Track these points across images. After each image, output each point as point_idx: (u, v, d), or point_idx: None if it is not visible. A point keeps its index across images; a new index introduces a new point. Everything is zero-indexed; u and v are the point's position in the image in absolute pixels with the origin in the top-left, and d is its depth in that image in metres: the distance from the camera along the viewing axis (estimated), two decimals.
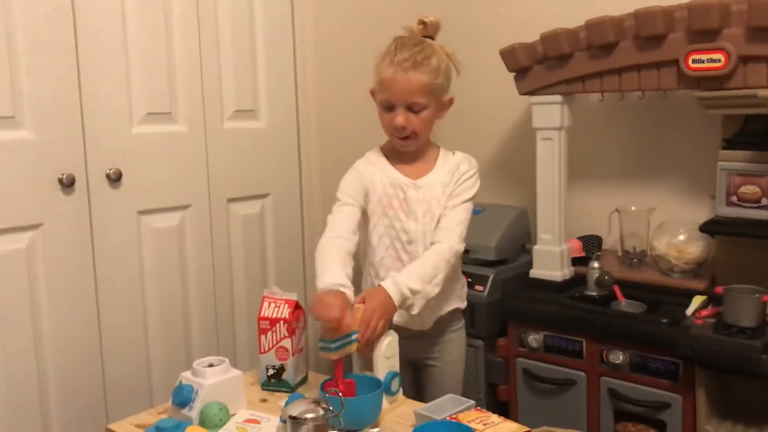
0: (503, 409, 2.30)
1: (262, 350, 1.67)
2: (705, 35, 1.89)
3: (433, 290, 1.65)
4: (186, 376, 1.55)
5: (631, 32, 1.99)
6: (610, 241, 2.51)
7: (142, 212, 2.03)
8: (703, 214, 2.26)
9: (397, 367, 1.57)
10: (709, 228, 2.06)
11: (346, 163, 2.49)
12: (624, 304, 2.16)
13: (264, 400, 1.63)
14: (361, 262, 1.83)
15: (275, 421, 1.49)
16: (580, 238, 2.49)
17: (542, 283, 2.31)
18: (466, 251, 2.08)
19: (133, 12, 1.96)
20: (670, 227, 2.24)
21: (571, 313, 2.14)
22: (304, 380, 1.73)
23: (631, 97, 2.27)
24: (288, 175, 2.41)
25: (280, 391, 1.66)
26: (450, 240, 1.69)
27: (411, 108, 1.68)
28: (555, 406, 2.19)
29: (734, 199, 2.01)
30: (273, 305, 1.67)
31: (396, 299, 1.57)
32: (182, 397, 1.51)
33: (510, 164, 2.70)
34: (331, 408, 1.18)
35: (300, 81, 2.39)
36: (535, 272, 2.34)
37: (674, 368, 1.95)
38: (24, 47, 1.76)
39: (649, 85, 2.03)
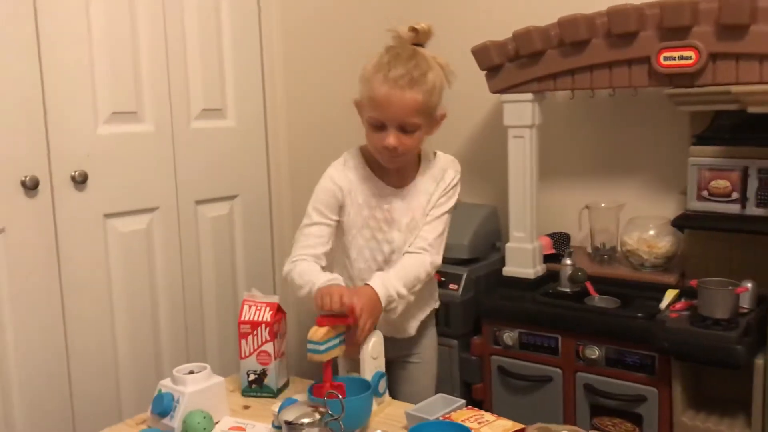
0: (478, 408, 2.29)
1: (243, 355, 1.63)
2: (676, 33, 1.92)
3: (411, 298, 1.65)
4: (165, 384, 1.49)
5: (603, 30, 2.01)
6: (579, 238, 2.54)
7: (108, 215, 1.95)
8: (671, 210, 2.31)
9: (383, 368, 1.55)
10: (681, 222, 2.10)
11: (315, 163, 2.45)
12: (597, 299, 2.18)
13: (247, 407, 1.58)
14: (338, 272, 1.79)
15: (261, 427, 1.45)
16: (549, 236, 2.51)
17: (515, 280, 2.32)
18: None
19: (97, 8, 1.88)
20: (640, 223, 2.27)
21: (545, 309, 2.15)
22: (285, 385, 1.69)
23: (601, 95, 2.30)
24: (257, 176, 2.36)
25: (262, 396, 1.62)
26: (430, 254, 1.66)
27: (403, 128, 1.56)
28: (530, 404, 2.19)
29: (705, 193, 2.05)
30: (254, 308, 1.63)
31: (383, 300, 1.55)
32: (162, 407, 1.45)
33: (480, 162, 2.70)
34: (330, 412, 1.15)
35: (267, 79, 2.34)
36: (507, 270, 2.34)
37: (650, 362, 1.97)
38: None
39: (620, 83, 2.05)
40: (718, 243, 2.11)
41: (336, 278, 1.56)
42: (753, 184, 2.00)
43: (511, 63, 2.20)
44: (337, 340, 1.46)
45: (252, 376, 1.63)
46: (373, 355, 1.53)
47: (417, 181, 1.69)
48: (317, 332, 1.42)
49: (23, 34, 1.74)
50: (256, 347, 1.61)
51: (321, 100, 2.49)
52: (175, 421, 1.43)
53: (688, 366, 1.94)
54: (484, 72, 2.26)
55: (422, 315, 1.79)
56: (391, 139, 1.56)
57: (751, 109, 1.80)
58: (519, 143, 2.26)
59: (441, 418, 1.35)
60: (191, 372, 1.50)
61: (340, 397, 1.17)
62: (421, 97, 1.54)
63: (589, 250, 2.45)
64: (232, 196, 2.30)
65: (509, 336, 2.21)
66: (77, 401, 1.91)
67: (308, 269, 1.60)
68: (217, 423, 1.47)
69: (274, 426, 1.28)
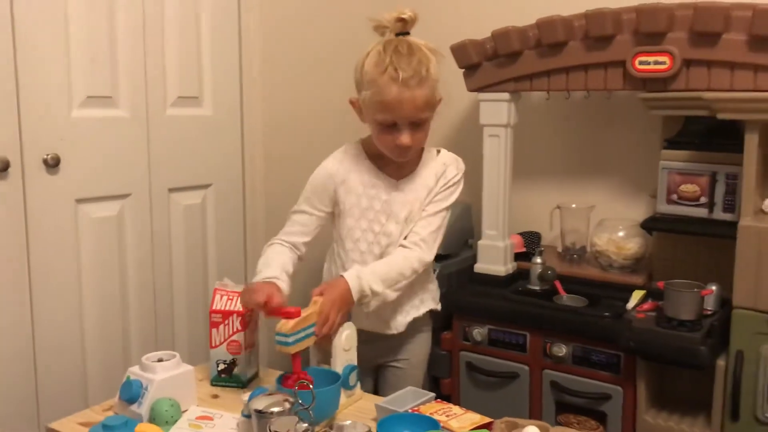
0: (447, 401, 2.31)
1: (213, 344, 1.62)
2: (651, 38, 1.95)
3: (392, 296, 1.62)
4: (134, 371, 1.49)
5: (580, 32, 2.04)
6: (549, 237, 2.57)
7: (80, 200, 1.93)
8: (641, 212, 2.35)
9: (354, 361, 1.55)
10: (650, 225, 2.14)
11: (290, 155, 2.47)
12: (566, 298, 2.21)
13: (215, 396, 1.58)
14: (329, 264, 1.79)
15: (228, 417, 1.45)
16: (521, 234, 2.54)
17: (486, 277, 2.34)
18: None
19: None
20: (610, 224, 2.31)
21: (515, 307, 2.17)
22: (255, 376, 1.68)
23: (576, 97, 2.33)
24: (231, 166, 2.35)
25: (231, 386, 1.61)
26: (422, 249, 1.63)
27: (414, 123, 1.56)
28: (497, 399, 2.22)
29: (674, 197, 2.09)
30: (225, 298, 1.62)
31: (355, 294, 1.54)
32: (131, 393, 1.44)
33: None
34: (300, 401, 1.15)
35: (245, 68, 2.33)
36: (479, 267, 2.36)
37: (616, 360, 2.01)
38: None
39: (595, 85, 2.08)
40: (685, 246, 2.16)
41: (273, 276, 1.55)
42: (720, 189, 2.04)
43: (488, 62, 2.21)
44: (306, 332, 1.46)
45: (222, 366, 1.62)
46: (345, 347, 1.53)
47: (417, 174, 1.68)
48: (286, 324, 1.42)
49: None
50: (226, 337, 1.61)
51: (298, 91, 2.49)
52: (143, 408, 1.42)
53: (653, 365, 1.98)
54: (462, 70, 2.27)
55: (414, 313, 1.74)
56: (406, 137, 1.56)
57: (721, 116, 1.84)
58: (494, 142, 2.28)
59: (410, 411, 1.36)
60: (160, 360, 1.49)
61: (311, 386, 1.17)
62: (429, 92, 1.55)
63: (560, 249, 2.48)
64: (205, 185, 2.28)
65: (478, 332, 2.23)
66: (43, 387, 1.89)
67: (271, 258, 1.61)
68: (185, 412, 1.47)
69: (243, 415, 1.28)
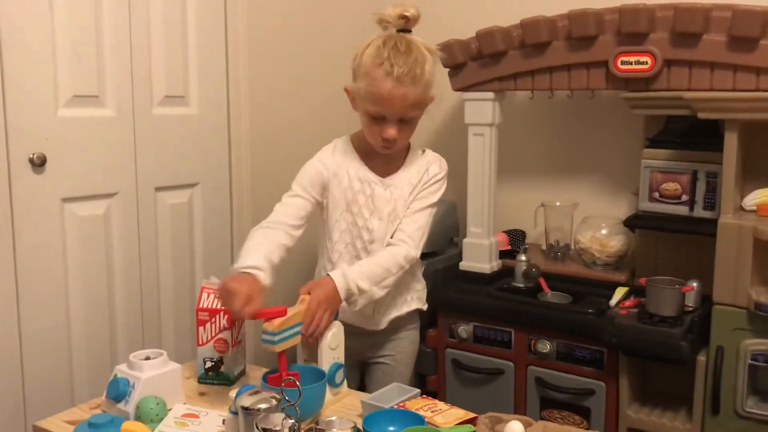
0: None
1: (200, 342, 1.62)
2: (633, 38, 1.98)
3: (379, 293, 1.63)
4: (121, 369, 1.49)
5: (563, 33, 2.06)
6: (534, 235, 2.59)
7: (66, 200, 1.93)
8: (624, 210, 2.38)
9: (341, 359, 1.56)
10: (632, 222, 2.17)
11: (277, 154, 2.48)
12: (550, 295, 2.23)
13: (202, 394, 1.59)
14: (318, 257, 1.80)
15: (214, 414, 1.46)
16: (506, 232, 2.56)
17: (471, 275, 2.36)
18: None
19: None
20: (593, 222, 2.33)
21: (499, 304, 2.19)
22: (242, 373, 1.69)
23: (559, 96, 2.35)
24: (217, 165, 2.35)
25: (218, 384, 1.62)
26: (408, 245, 1.65)
27: (403, 119, 1.59)
28: (482, 396, 2.24)
29: (656, 195, 2.12)
30: (212, 296, 1.62)
31: (342, 293, 1.56)
32: (117, 391, 1.44)
33: None
34: (287, 398, 1.16)
35: (231, 67, 2.34)
36: (464, 264, 2.38)
37: (599, 356, 2.03)
38: None
39: (578, 85, 2.11)
40: (667, 243, 2.19)
41: (253, 266, 1.49)
42: (701, 188, 2.07)
43: (473, 62, 2.23)
44: (292, 331, 1.47)
45: (209, 364, 1.63)
46: (331, 345, 1.54)
47: (402, 172, 1.71)
48: (272, 323, 1.43)
49: None
50: (213, 335, 1.62)
51: (284, 90, 2.50)
52: (130, 406, 1.43)
53: (635, 361, 2.01)
54: (447, 69, 2.29)
55: (398, 311, 1.76)
56: (392, 131, 1.59)
57: (701, 115, 1.87)
58: (479, 141, 2.30)
59: (396, 407, 1.38)
60: (147, 358, 1.50)
61: (297, 383, 1.19)
62: (421, 91, 1.58)
63: (544, 247, 2.50)
64: (192, 183, 2.29)
65: (464, 329, 2.25)
66: (29, 385, 1.89)
67: (253, 245, 1.57)
68: (170, 410, 1.47)
69: (231, 411, 1.29)
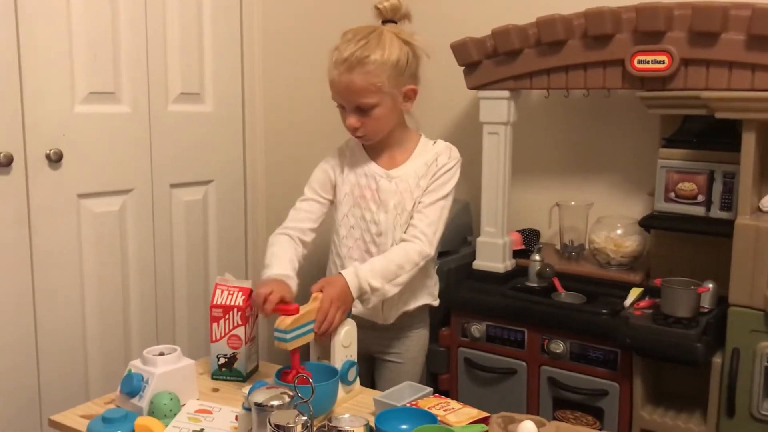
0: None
1: (214, 338, 1.64)
2: (650, 37, 1.96)
3: (392, 290, 1.62)
4: (135, 365, 1.50)
5: (579, 31, 2.05)
6: (548, 235, 2.58)
7: (82, 195, 1.95)
8: (639, 210, 2.36)
9: (354, 357, 1.57)
10: (648, 223, 2.15)
11: (291, 151, 2.49)
12: (564, 295, 2.22)
13: (216, 390, 1.60)
14: (329, 253, 1.81)
15: (227, 410, 1.46)
16: (520, 231, 2.55)
17: (485, 274, 2.35)
18: None
19: None
20: (608, 222, 2.32)
21: (513, 303, 2.18)
22: (255, 370, 1.70)
23: (575, 95, 2.34)
24: (232, 162, 2.36)
25: (231, 380, 1.63)
26: (422, 242, 1.64)
27: (360, 108, 1.60)
28: (495, 395, 2.23)
29: (672, 195, 2.10)
30: (226, 293, 1.63)
31: (354, 291, 1.56)
32: (131, 387, 1.46)
33: None
34: (300, 395, 1.17)
35: (246, 64, 2.34)
36: (478, 264, 2.38)
37: (613, 357, 2.02)
38: None
39: (594, 84, 2.09)
40: (682, 244, 2.17)
41: (285, 275, 1.57)
42: (718, 188, 2.05)
43: (488, 60, 2.22)
44: (304, 329, 1.48)
45: (222, 360, 1.64)
46: (344, 343, 1.54)
47: (408, 164, 1.71)
48: (284, 320, 1.44)
49: (1, 9, 1.72)
50: (227, 331, 1.63)
51: (299, 88, 2.50)
52: (144, 401, 1.44)
53: (650, 362, 2.00)
54: (462, 68, 2.28)
55: (406, 306, 1.76)
56: (351, 120, 1.62)
57: (719, 115, 1.85)
58: (494, 140, 2.29)
59: (408, 405, 1.38)
60: (161, 353, 1.51)
61: (311, 380, 1.19)
62: (368, 77, 1.57)
63: (558, 247, 2.49)
64: (207, 180, 2.30)
65: (477, 328, 2.25)
66: (45, 379, 1.91)
67: (279, 252, 1.64)
68: (183, 405, 1.48)
69: (244, 408, 1.30)
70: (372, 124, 1.63)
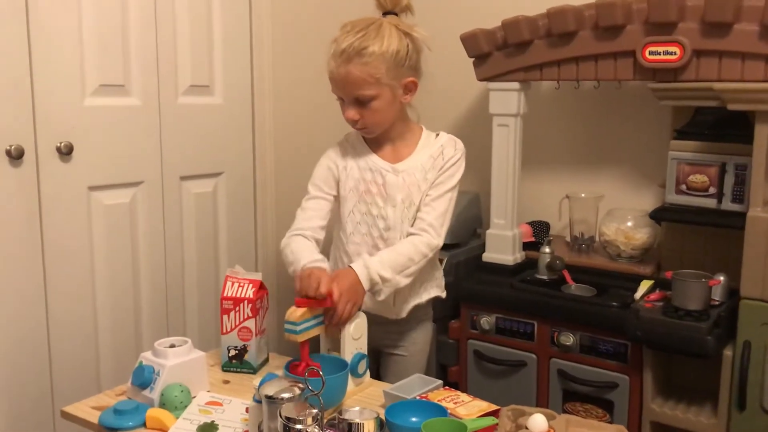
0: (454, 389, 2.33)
1: (224, 330, 1.64)
2: (662, 28, 1.94)
3: (403, 281, 1.62)
4: (147, 357, 1.51)
5: (590, 22, 2.03)
6: (558, 227, 2.57)
7: (92, 188, 1.96)
8: (649, 202, 2.34)
9: (364, 349, 1.57)
10: (659, 215, 2.14)
11: (301, 144, 2.49)
12: (574, 287, 2.21)
13: (227, 382, 1.60)
14: (333, 249, 1.80)
15: (237, 402, 1.47)
16: (530, 224, 2.54)
17: (494, 266, 2.34)
18: None
19: None
20: (619, 214, 2.31)
21: (523, 296, 2.18)
22: (265, 361, 1.71)
23: (586, 87, 2.32)
24: (242, 154, 2.37)
25: (241, 372, 1.64)
26: (429, 234, 1.64)
27: (358, 100, 1.59)
28: (505, 387, 2.23)
29: (683, 187, 2.08)
30: (237, 285, 1.64)
31: (365, 283, 1.56)
32: (143, 379, 1.47)
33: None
34: (310, 387, 1.17)
35: (256, 57, 2.35)
36: (487, 256, 2.37)
37: (623, 350, 2.02)
38: None
39: (605, 75, 2.08)
40: (693, 236, 2.15)
41: (320, 260, 1.57)
42: (730, 180, 2.04)
43: (498, 51, 2.21)
44: (314, 321, 1.48)
45: (233, 352, 1.65)
46: (354, 336, 1.54)
47: (413, 157, 1.70)
48: (294, 312, 1.44)
49: (12, 3, 1.73)
50: (237, 323, 1.63)
51: (308, 80, 2.49)
52: (155, 393, 1.45)
53: (660, 355, 1.99)
54: (472, 59, 2.27)
55: (419, 299, 1.76)
56: (350, 112, 1.61)
57: (731, 107, 1.84)
58: (503, 131, 2.28)
59: (418, 398, 1.38)
60: (172, 345, 1.51)
61: (321, 373, 1.19)
62: (367, 68, 1.56)
63: (568, 239, 2.48)
64: (216, 173, 2.30)
65: (486, 321, 2.24)
66: (57, 371, 1.92)
67: (301, 247, 1.62)
68: (194, 397, 1.49)
69: (255, 400, 1.30)
70: (371, 117, 1.62)
